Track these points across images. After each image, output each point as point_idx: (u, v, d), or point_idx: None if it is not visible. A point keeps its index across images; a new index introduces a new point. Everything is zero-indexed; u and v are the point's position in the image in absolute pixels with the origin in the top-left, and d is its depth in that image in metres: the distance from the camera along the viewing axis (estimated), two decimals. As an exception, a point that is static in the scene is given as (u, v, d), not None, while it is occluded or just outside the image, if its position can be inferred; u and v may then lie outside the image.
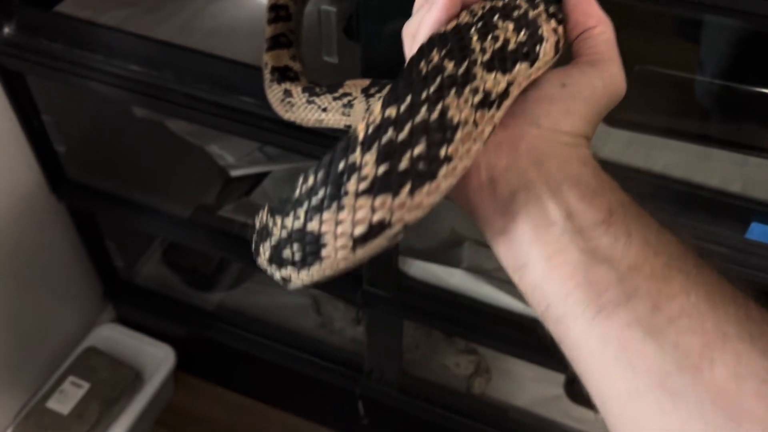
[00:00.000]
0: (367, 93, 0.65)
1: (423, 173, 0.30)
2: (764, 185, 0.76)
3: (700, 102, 0.88)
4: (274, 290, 1.39)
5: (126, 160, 1.25)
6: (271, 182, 1.22)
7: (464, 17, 0.35)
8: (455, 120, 0.31)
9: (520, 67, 0.34)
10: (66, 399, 1.24)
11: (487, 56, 0.33)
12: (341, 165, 0.31)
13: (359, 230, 0.31)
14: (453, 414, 1.17)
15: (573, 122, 0.35)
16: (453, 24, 0.35)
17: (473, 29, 0.34)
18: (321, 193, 0.31)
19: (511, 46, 0.34)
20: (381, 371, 1.18)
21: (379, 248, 0.32)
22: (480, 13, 0.35)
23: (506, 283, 0.98)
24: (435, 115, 0.31)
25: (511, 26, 0.35)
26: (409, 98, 0.31)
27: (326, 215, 0.31)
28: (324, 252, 0.32)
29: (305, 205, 0.31)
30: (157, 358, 1.34)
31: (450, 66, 0.32)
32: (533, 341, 0.96)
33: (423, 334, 1.27)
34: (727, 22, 0.79)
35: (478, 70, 0.32)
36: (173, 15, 0.97)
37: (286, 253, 0.33)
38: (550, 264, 0.32)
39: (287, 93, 0.69)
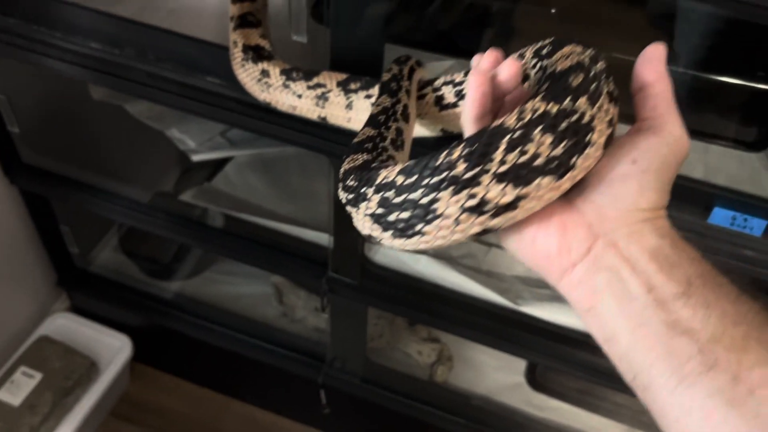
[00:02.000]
0: (345, 88, 0.64)
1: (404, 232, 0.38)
2: (725, 172, 0.77)
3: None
4: (235, 279, 1.37)
5: (83, 143, 1.21)
6: (233, 168, 1.20)
7: (510, 120, 0.35)
8: (441, 210, 0.35)
9: (540, 182, 0.35)
10: (17, 389, 1.20)
11: (503, 168, 0.34)
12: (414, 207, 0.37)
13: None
14: (415, 402, 1.18)
15: (649, 197, 0.36)
16: (495, 125, 0.35)
17: (506, 138, 0.34)
18: (419, 192, 0.36)
19: (539, 161, 0.35)
20: (344, 360, 1.18)
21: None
22: (527, 118, 0.35)
23: (471, 270, 0.98)
24: (425, 200, 0.36)
25: (549, 140, 0.35)
26: (413, 179, 0.36)
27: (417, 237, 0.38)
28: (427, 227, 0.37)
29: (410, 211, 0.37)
30: (113, 348, 1.31)
31: (461, 167, 0.35)
32: (497, 327, 0.97)
33: (386, 322, 1.27)
34: (700, 10, 0.80)
35: (486, 179, 0.34)
36: (135, -7, 0.95)
37: (393, 217, 0.38)
38: (634, 336, 0.34)
39: (265, 73, 0.68)
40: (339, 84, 0.65)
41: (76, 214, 1.27)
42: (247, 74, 0.69)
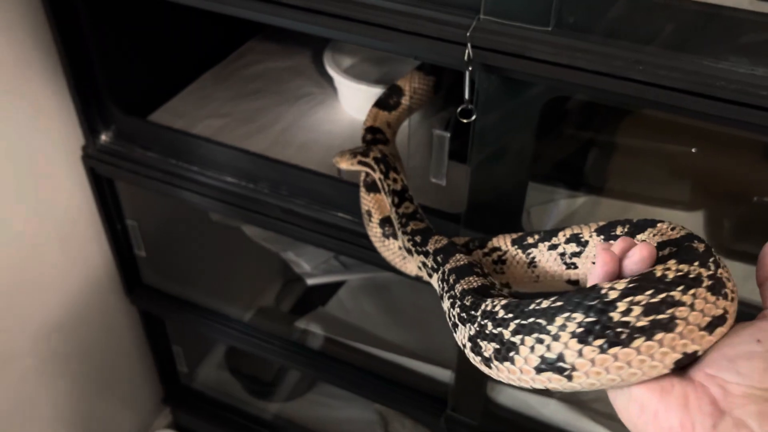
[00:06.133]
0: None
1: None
2: None
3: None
4: (337, 402, 1.34)
5: (198, 264, 1.24)
6: (346, 292, 1.19)
7: (641, 295, 0.37)
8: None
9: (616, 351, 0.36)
10: None
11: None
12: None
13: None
14: None
15: None
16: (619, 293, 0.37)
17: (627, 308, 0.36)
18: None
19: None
20: (454, 499, 1.11)
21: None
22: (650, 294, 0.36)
23: (603, 416, 0.92)
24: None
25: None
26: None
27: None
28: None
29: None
30: (212, 471, 1.28)
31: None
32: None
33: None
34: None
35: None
36: (267, 127, 0.98)
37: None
38: None
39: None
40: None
41: (187, 333, 1.27)
42: (388, 249, 0.69)
